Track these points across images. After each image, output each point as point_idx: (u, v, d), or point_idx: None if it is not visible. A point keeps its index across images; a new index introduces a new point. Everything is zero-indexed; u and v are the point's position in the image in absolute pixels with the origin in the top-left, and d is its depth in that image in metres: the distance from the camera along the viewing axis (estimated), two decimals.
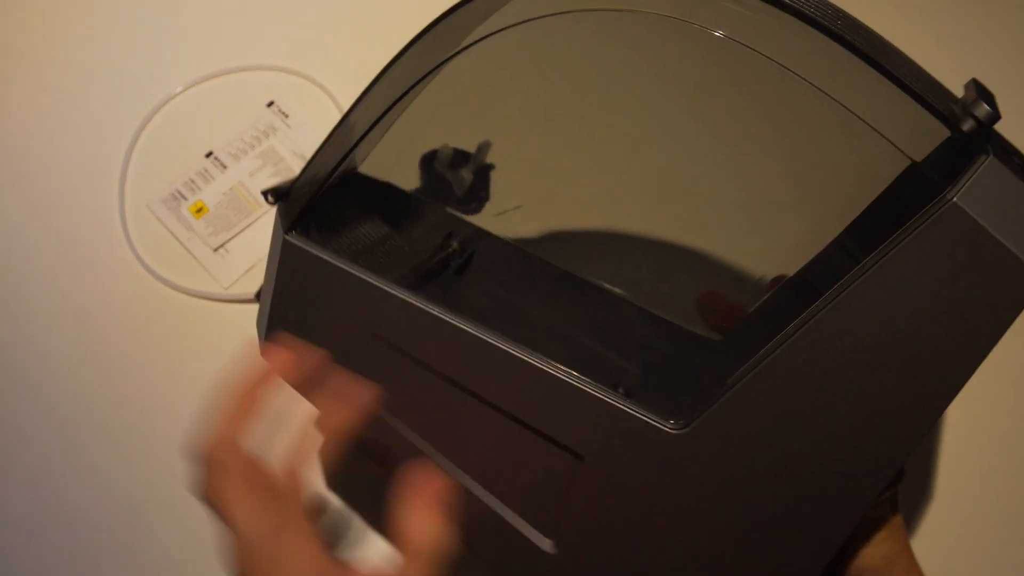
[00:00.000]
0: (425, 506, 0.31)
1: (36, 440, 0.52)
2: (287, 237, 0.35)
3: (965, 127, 0.27)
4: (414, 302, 0.33)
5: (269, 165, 0.55)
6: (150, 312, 0.53)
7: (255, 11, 0.58)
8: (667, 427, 0.31)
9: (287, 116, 0.56)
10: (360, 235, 0.38)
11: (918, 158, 0.30)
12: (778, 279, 0.34)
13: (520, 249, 0.38)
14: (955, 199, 0.26)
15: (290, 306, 0.36)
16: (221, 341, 0.52)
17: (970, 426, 0.59)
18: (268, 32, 0.58)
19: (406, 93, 0.34)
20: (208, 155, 0.55)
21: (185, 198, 0.55)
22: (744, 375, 0.29)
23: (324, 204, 0.35)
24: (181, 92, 0.56)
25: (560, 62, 0.36)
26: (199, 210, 0.54)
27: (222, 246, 0.54)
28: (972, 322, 0.27)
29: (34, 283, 0.53)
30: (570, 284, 0.39)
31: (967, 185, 0.26)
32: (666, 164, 0.37)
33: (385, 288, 0.33)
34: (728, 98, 0.35)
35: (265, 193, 0.36)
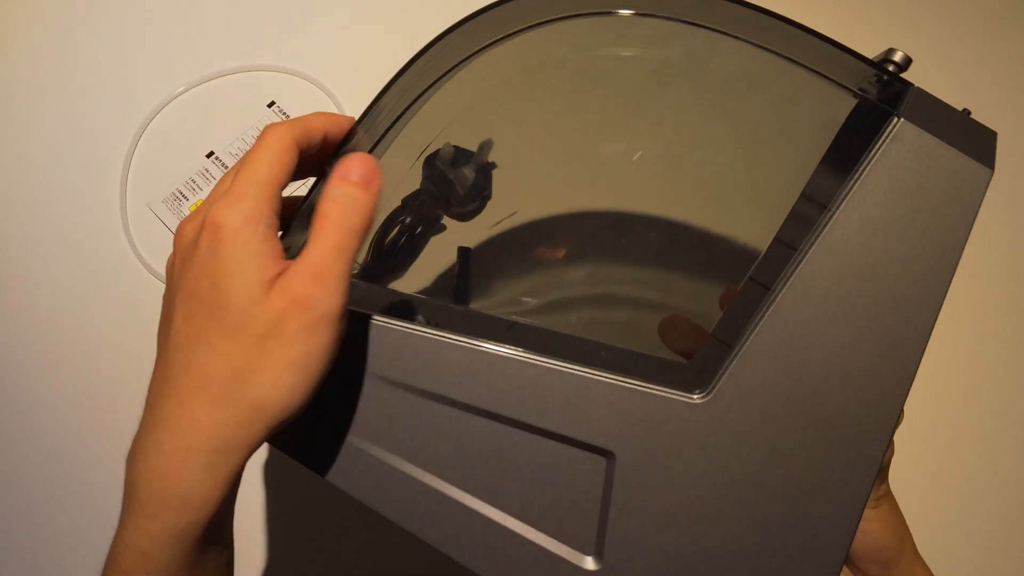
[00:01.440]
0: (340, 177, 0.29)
1: (37, 439, 0.52)
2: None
3: (890, 67, 0.32)
4: (400, 326, 0.31)
5: None
6: (151, 311, 0.53)
7: (256, 11, 0.58)
8: (692, 399, 0.31)
9: (287, 116, 0.56)
10: None
11: (855, 101, 0.33)
12: (729, 290, 0.34)
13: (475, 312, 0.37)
14: (903, 118, 0.30)
15: None
16: None
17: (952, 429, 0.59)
18: (268, 32, 0.58)
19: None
20: (209, 155, 0.55)
21: (186, 198, 0.55)
22: (751, 330, 0.31)
23: None
24: (182, 92, 0.56)
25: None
26: None
27: None
28: (942, 227, 0.31)
29: (36, 283, 0.53)
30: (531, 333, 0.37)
31: (908, 106, 0.31)
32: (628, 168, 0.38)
33: (372, 318, 0.31)
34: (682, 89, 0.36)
35: None
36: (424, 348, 0.31)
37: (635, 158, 0.37)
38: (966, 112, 0.32)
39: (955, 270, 0.31)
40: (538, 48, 0.35)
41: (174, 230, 0.54)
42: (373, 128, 0.35)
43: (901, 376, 0.31)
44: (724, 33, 0.33)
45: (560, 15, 0.34)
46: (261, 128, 0.55)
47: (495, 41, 0.34)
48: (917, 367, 0.31)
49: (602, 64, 0.36)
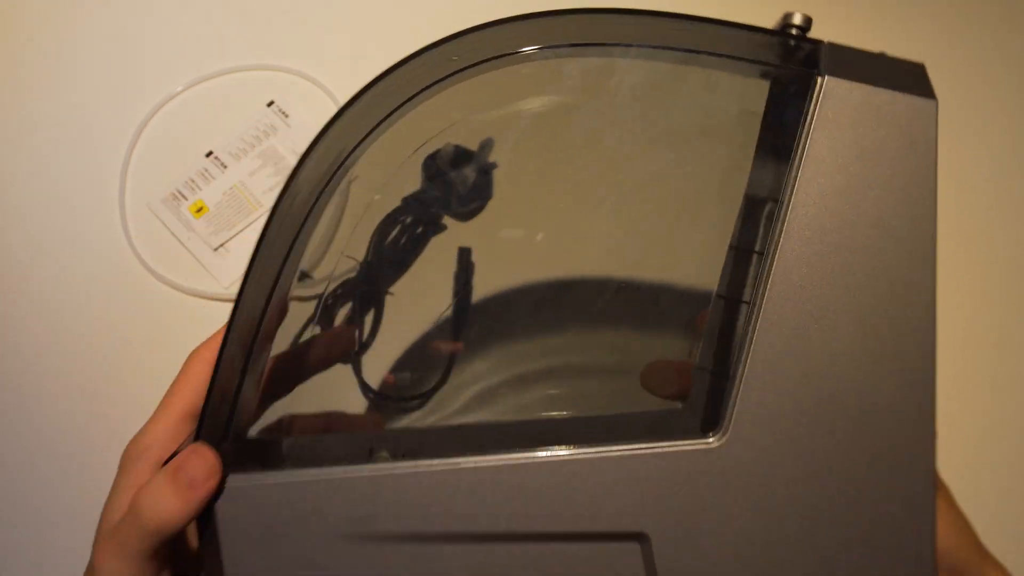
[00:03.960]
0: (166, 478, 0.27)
1: (36, 439, 0.52)
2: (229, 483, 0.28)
3: (793, 31, 0.30)
4: (373, 472, 0.27)
5: (269, 165, 0.55)
6: (150, 311, 0.53)
7: (255, 11, 0.58)
8: (708, 443, 0.27)
9: (287, 116, 0.56)
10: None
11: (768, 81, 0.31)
12: (703, 315, 0.32)
13: (448, 426, 0.34)
14: (826, 75, 0.28)
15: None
16: None
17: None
18: (268, 32, 0.58)
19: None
20: (208, 155, 0.55)
21: (185, 198, 0.55)
22: (745, 350, 0.28)
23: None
24: (181, 92, 0.56)
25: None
26: (199, 210, 0.54)
27: (222, 245, 0.54)
28: (906, 174, 0.28)
29: (35, 283, 0.53)
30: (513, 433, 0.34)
31: (825, 62, 0.28)
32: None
33: (331, 476, 0.27)
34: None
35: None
36: (382, 487, 0.27)
37: (538, 237, 0.34)
38: (883, 55, 0.30)
39: (936, 214, 0.28)
40: (423, 118, 0.32)
41: (173, 229, 0.54)
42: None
43: (922, 342, 0.28)
44: (617, 45, 0.31)
45: (457, 70, 0.31)
46: (261, 128, 0.55)
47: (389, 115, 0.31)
48: (935, 326, 0.28)
49: (504, 118, 0.33)
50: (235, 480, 0.27)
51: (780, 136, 0.29)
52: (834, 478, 0.27)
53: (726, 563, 0.27)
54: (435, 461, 0.27)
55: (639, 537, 0.27)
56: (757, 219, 0.30)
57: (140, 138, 0.55)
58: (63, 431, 0.52)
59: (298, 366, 0.33)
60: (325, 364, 0.35)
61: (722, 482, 0.27)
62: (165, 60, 0.57)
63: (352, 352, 0.36)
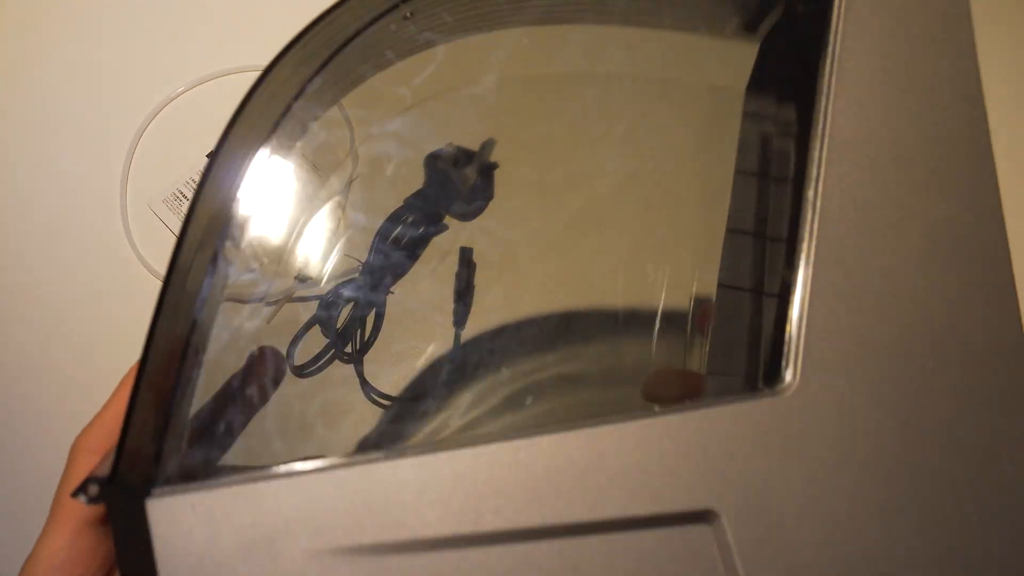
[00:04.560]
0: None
1: (36, 440, 0.52)
2: (151, 502, 0.22)
3: None
4: (350, 463, 0.22)
5: None
6: (151, 311, 0.53)
7: (256, 11, 0.58)
8: (783, 387, 0.22)
9: None
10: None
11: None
12: (705, 306, 0.28)
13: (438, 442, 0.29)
14: None
15: None
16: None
17: None
18: (269, 32, 0.58)
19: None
20: (209, 155, 0.55)
21: (186, 198, 0.55)
22: (813, 273, 0.23)
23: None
24: (183, 92, 0.56)
25: None
26: None
27: None
28: (948, 63, 0.24)
29: (36, 283, 0.53)
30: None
31: None
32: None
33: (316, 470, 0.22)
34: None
35: (82, 492, 0.23)
36: (370, 482, 0.22)
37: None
38: None
39: (984, 105, 0.24)
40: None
41: (174, 229, 0.54)
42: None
43: (998, 255, 0.23)
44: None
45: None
46: None
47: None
48: (1005, 235, 0.23)
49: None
50: (174, 490, 0.22)
51: (792, 62, 0.25)
52: (950, 425, 0.22)
53: (823, 536, 0.22)
54: (438, 451, 0.22)
55: (706, 516, 0.22)
56: (764, 187, 0.25)
57: (142, 138, 0.55)
58: (63, 431, 0.52)
59: (221, 415, 0.29)
60: (259, 399, 0.30)
61: (802, 436, 0.22)
62: (166, 60, 0.57)
63: (284, 370, 0.33)
